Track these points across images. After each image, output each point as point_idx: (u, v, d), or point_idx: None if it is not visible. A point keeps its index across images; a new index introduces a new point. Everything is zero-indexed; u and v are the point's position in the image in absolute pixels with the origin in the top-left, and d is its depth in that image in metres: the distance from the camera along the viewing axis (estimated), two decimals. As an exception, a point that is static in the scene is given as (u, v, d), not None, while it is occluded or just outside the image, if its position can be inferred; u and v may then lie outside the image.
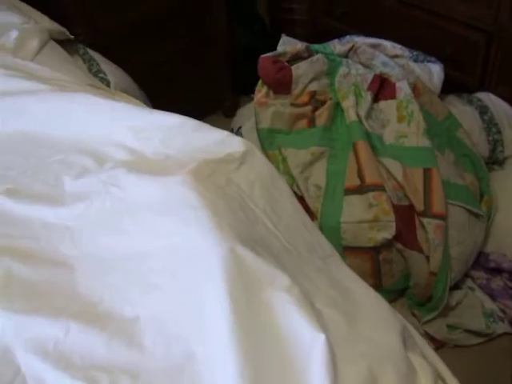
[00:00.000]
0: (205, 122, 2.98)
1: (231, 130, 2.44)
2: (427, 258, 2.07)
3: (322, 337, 0.94)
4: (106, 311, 1.10)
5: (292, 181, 2.11)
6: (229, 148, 1.35)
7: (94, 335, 1.06)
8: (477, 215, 2.22)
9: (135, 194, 1.25)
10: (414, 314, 2.20)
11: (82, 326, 1.08)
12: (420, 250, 2.07)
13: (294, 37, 2.72)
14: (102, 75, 2.22)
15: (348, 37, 2.50)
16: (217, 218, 1.11)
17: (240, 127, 2.36)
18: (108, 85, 2.18)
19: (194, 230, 1.11)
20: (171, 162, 1.33)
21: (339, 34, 2.59)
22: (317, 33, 2.94)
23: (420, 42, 2.54)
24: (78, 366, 1.03)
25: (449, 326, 2.18)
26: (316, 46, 2.31)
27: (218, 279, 1.01)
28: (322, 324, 1.00)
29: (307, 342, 0.95)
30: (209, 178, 1.25)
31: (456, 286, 2.26)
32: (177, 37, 2.79)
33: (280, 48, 2.37)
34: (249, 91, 2.36)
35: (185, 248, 1.10)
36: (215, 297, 0.99)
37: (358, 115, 2.16)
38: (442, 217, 2.07)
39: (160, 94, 2.72)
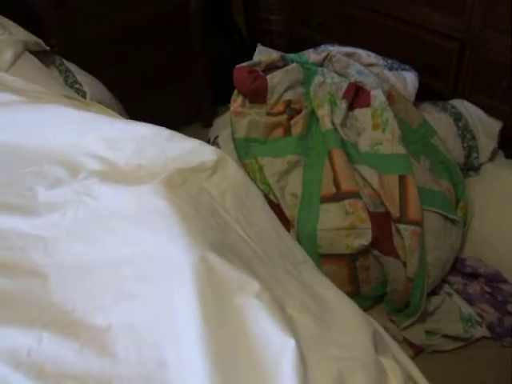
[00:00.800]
0: (183, 132, 3.00)
1: (208, 140, 2.45)
2: (404, 263, 2.09)
3: (291, 342, 0.95)
4: (79, 320, 1.10)
5: (268, 189, 2.12)
6: (201, 157, 1.35)
7: (67, 344, 1.06)
8: (453, 221, 2.24)
9: (108, 203, 1.26)
10: (392, 320, 2.21)
11: (54, 335, 1.08)
12: (396, 256, 2.08)
13: (272, 47, 2.74)
14: (77, 86, 2.22)
15: (323, 46, 2.52)
16: (187, 226, 1.12)
17: (217, 137, 2.37)
18: (84, 96, 2.19)
19: (164, 237, 1.11)
20: (144, 172, 1.34)
21: (316, 44, 2.62)
22: (294, 43, 2.97)
23: (394, 51, 2.57)
24: (50, 375, 1.03)
25: (427, 332, 2.19)
26: (291, 55, 2.33)
27: (188, 286, 1.01)
28: (293, 329, 1.00)
29: (277, 348, 0.95)
30: (180, 186, 1.26)
31: (433, 292, 2.28)
32: (154, 48, 2.80)
33: (255, 58, 2.38)
34: (227, 101, 2.37)
35: (156, 255, 1.10)
36: (186, 304, 0.99)
37: (333, 123, 2.18)
38: (418, 223, 2.09)
39: (137, 105, 2.73)
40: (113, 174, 1.35)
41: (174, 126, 2.97)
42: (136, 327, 1.05)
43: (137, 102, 2.74)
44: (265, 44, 2.76)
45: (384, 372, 1.05)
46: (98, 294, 1.14)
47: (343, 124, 2.20)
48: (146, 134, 1.43)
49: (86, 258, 1.21)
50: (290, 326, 1.01)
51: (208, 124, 2.91)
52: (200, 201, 1.25)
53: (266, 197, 2.12)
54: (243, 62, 2.33)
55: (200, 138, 2.54)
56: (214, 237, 1.14)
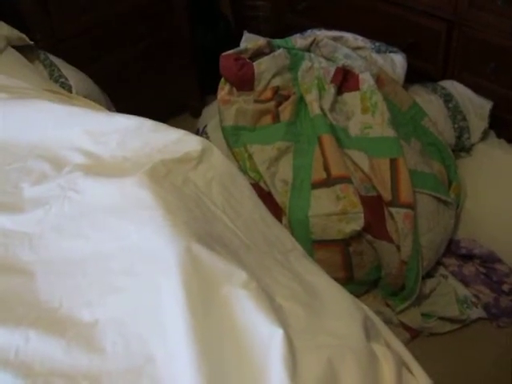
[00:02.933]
0: (172, 123, 2.95)
1: (197, 130, 2.43)
2: (397, 247, 2.08)
3: (279, 332, 0.94)
4: (66, 316, 1.09)
5: (259, 177, 2.10)
6: (186, 147, 1.34)
7: (54, 341, 1.05)
8: (446, 202, 2.23)
9: (92, 197, 1.24)
10: (387, 304, 2.20)
11: (41, 333, 1.07)
12: (390, 240, 2.07)
13: (259, 33, 2.72)
14: (63, 80, 2.20)
15: (309, 31, 2.50)
16: (172, 217, 1.11)
17: (205, 126, 2.35)
18: (69, 90, 2.17)
19: (149, 229, 1.10)
20: (129, 164, 1.32)
21: (303, 29, 2.59)
22: (281, 28, 2.94)
23: (382, 33, 2.55)
24: (39, 374, 1.02)
25: (423, 315, 2.19)
26: (277, 41, 2.31)
27: (174, 278, 1.00)
28: (282, 318, 0.99)
29: (265, 338, 0.94)
30: (165, 177, 1.25)
31: (428, 275, 2.27)
32: (140, 38, 2.77)
33: (242, 45, 2.36)
34: (215, 90, 2.35)
35: (142, 248, 1.09)
36: (172, 296, 0.98)
37: (321, 108, 2.17)
38: (411, 206, 2.08)
39: (125, 97, 2.71)
40: (97, 168, 1.33)
41: (164, 116, 2.96)
42: (123, 321, 1.04)
43: (125, 94, 2.72)
44: (252, 31, 2.74)
45: (376, 358, 1.04)
46: (84, 290, 1.12)
47: (332, 109, 2.18)
48: (129, 125, 1.41)
49: (72, 254, 1.19)
50: (279, 315, 1.00)
51: (197, 114, 2.89)
52: (185, 191, 1.24)
53: (257, 184, 2.10)
54: (230, 49, 2.31)
55: (190, 128, 2.54)
56: (200, 227, 1.13)
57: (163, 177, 1.25)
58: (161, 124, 1.42)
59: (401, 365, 1.08)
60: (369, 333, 1.10)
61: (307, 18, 2.82)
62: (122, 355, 1.01)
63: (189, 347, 0.91)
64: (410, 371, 1.10)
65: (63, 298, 1.13)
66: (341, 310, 1.12)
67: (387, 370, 1.04)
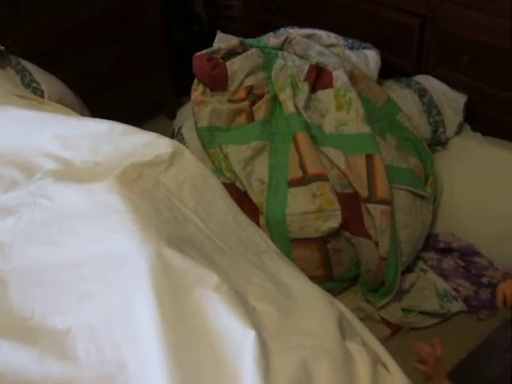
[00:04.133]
0: (148, 125, 3.01)
1: (172, 131, 2.42)
2: (376, 243, 2.08)
3: (252, 333, 0.93)
4: (39, 324, 1.08)
5: (235, 177, 2.09)
6: (157, 150, 1.33)
7: (26, 351, 1.04)
8: (423, 197, 2.24)
9: (63, 203, 1.23)
10: (368, 301, 2.20)
11: (13, 343, 1.05)
12: (368, 236, 2.07)
13: (233, 33, 2.71)
14: (35, 85, 2.18)
15: (282, 29, 2.49)
16: (142, 221, 1.10)
17: (181, 127, 2.34)
18: (42, 95, 2.15)
19: (120, 235, 1.09)
20: (100, 169, 1.31)
21: (277, 28, 2.59)
22: (255, 28, 2.92)
23: (355, 30, 2.55)
24: (12, 383, 1.01)
25: (404, 310, 2.19)
26: (250, 41, 2.30)
27: (145, 284, 0.99)
28: (255, 320, 0.99)
29: (237, 340, 0.94)
30: (136, 181, 1.23)
31: (408, 269, 2.27)
32: (113, 41, 2.75)
33: (215, 45, 2.35)
34: (191, 91, 2.34)
35: (112, 253, 1.08)
36: (143, 301, 0.97)
37: (296, 107, 2.16)
38: (387, 201, 2.08)
39: (100, 100, 2.69)
40: (68, 173, 1.32)
41: (140, 118, 2.97)
42: (96, 328, 1.03)
43: (100, 97, 2.70)
44: (225, 30, 2.73)
45: (350, 357, 1.04)
46: (57, 297, 1.11)
47: (306, 107, 2.18)
48: (100, 130, 1.40)
49: (44, 261, 1.18)
50: (252, 316, 1.00)
51: (173, 115, 2.87)
52: (156, 194, 1.23)
53: (233, 185, 2.09)
54: (204, 49, 2.30)
55: (166, 130, 2.54)
56: (171, 230, 1.12)
57: (134, 181, 1.24)
58: (131, 127, 1.41)
59: (376, 362, 1.08)
60: (344, 332, 1.10)
61: (280, 17, 2.82)
62: (95, 362, 1.00)
63: (160, 353, 0.91)
64: (386, 368, 1.10)
65: (36, 307, 1.11)
66: (315, 310, 1.11)
67: (362, 368, 1.03)
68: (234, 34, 2.78)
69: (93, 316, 1.05)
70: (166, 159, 1.32)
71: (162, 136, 1.40)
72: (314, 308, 1.12)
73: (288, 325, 1.05)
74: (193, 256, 1.07)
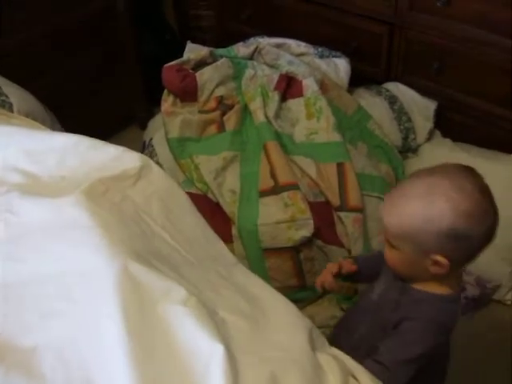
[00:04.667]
0: (121, 135, 3.00)
1: (143, 143, 2.40)
2: (349, 251, 2.08)
3: (219, 347, 0.93)
4: (5, 342, 1.06)
5: (206, 188, 2.09)
6: (124, 164, 1.32)
7: (-8, 370, 1.02)
8: (394, 204, 2.24)
9: (29, 218, 1.21)
10: (343, 309, 2.19)
11: (-22, 363, 1.03)
12: (340, 245, 2.07)
13: (204, 43, 2.71)
14: (3, 98, 2.15)
15: (252, 39, 2.50)
16: (109, 235, 1.09)
17: (151, 139, 2.33)
18: (10, 107, 2.12)
19: (86, 250, 1.08)
20: (66, 184, 1.30)
21: (247, 37, 2.59)
22: (225, 37, 2.93)
23: (325, 39, 2.57)
24: (-22, 403, 0.99)
25: (378, 317, 2.19)
26: (220, 51, 2.30)
27: (111, 300, 0.98)
28: (224, 333, 0.98)
29: (206, 354, 0.93)
30: (103, 195, 1.22)
31: (381, 276, 2.28)
32: (85, 53, 2.74)
33: (185, 55, 2.35)
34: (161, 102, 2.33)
35: (79, 270, 1.07)
36: (109, 317, 0.96)
37: (266, 116, 2.16)
38: (359, 209, 2.09)
39: (72, 112, 2.67)
40: (34, 188, 1.30)
41: (112, 129, 2.97)
42: (63, 346, 1.02)
43: (71, 109, 2.69)
44: (196, 40, 2.73)
45: (321, 370, 1.03)
46: (24, 315, 1.09)
47: (277, 116, 2.18)
48: (67, 144, 1.39)
49: (10, 278, 1.16)
50: (221, 330, 0.99)
51: (145, 125, 2.86)
52: (123, 209, 1.22)
53: (205, 196, 2.09)
54: (177, 59, 2.30)
55: (139, 140, 2.53)
56: (138, 244, 1.11)
57: (101, 195, 1.23)
58: (99, 141, 1.40)
59: (347, 373, 1.08)
60: (314, 343, 1.09)
61: (251, 27, 2.82)
62: (62, 380, 0.98)
63: (128, 369, 0.89)
64: (357, 380, 1.10)
65: (3, 324, 1.10)
66: (285, 322, 1.11)
67: (333, 380, 1.03)
68: (205, 43, 2.79)
69: (59, 334, 1.04)
70: (133, 173, 1.31)
71: (129, 150, 1.39)
72: (284, 320, 1.11)
73: (257, 337, 1.04)
74: (160, 270, 1.07)
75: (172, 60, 2.30)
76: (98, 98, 2.87)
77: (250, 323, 1.07)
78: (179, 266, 1.13)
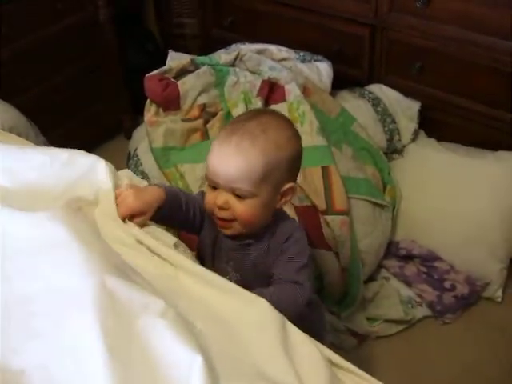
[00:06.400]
0: (106, 145, 3.00)
1: (128, 153, 2.40)
2: (336, 254, 2.08)
3: (198, 358, 0.92)
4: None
5: (192, 196, 2.09)
6: (96, 183, 1.32)
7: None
8: (381, 206, 2.25)
9: (9, 236, 1.21)
10: (332, 312, 2.20)
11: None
12: (328, 248, 2.07)
13: (187, 51, 2.71)
14: (-14, 113, 2.16)
15: (234, 45, 2.50)
16: (87, 249, 1.08)
17: (136, 149, 2.32)
18: (-6, 122, 2.12)
19: (64, 267, 1.07)
20: (44, 200, 1.29)
21: (230, 43, 2.60)
22: (208, 44, 2.94)
23: (307, 43, 2.57)
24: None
25: (369, 319, 2.20)
26: (201, 59, 2.30)
27: (90, 317, 0.97)
28: (202, 344, 0.98)
29: (185, 365, 0.92)
30: (79, 210, 1.22)
31: (371, 278, 2.29)
32: (68, 64, 2.74)
33: (168, 64, 2.34)
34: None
35: (59, 287, 1.06)
36: (90, 336, 0.95)
37: (249, 123, 2.16)
38: (345, 212, 2.09)
39: (58, 123, 2.69)
40: (13, 204, 1.30)
41: (99, 140, 2.97)
42: (48, 367, 1.00)
43: (57, 119, 2.70)
44: (179, 48, 2.73)
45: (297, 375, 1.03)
46: (11, 335, 1.08)
47: (260, 122, 2.18)
48: (44, 161, 1.38)
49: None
50: (200, 340, 0.99)
51: (131, 135, 2.87)
52: (98, 224, 1.22)
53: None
54: (161, 68, 2.30)
55: (125, 150, 2.53)
56: (116, 258, 1.11)
57: (77, 210, 1.22)
58: (76, 156, 1.39)
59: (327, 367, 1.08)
60: (286, 335, 1.09)
61: (234, 33, 2.83)
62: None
63: (108, 386, 0.89)
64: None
65: None
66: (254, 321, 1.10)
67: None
68: (188, 50, 2.78)
69: (45, 354, 1.02)
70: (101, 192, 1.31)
71: (103, 162, 1.38)
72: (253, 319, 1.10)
73: (235, 346, 1.04)
74: (137, 282, 1.06)
75: (154, 68, 2.30)
76: (84, 109, 2.88)
77: (226, 332, 1.06)
78: (154, 279, 1.13)
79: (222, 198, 1.32)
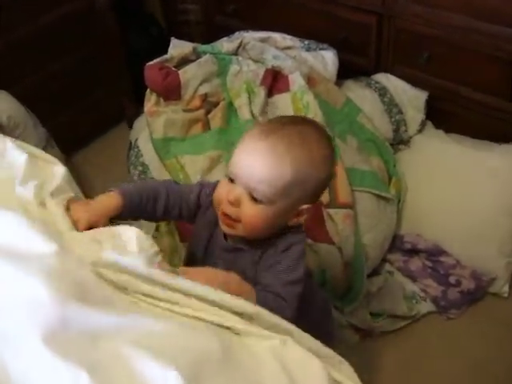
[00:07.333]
0: (111, 133, 2.96)
1: (129, 143, 2.36)
2: (339, 249, 2.04)
3: (173, 373, 0.88)
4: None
5: (193, 189, 2.04)
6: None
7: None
8: (386, 199, 2.21)
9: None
10: (335, 307, 2.16)
11: None
12: (331, 242, 2.03)
13: (191, 38, 2.66)
14: (-18, 102, 2.12)
15: (237, 33, 2.44)
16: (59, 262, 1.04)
17: (137, 139, 2.28)
18: (-10, 111, 2.09)
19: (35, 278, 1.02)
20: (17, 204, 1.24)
21: (233, 31, 2.54)
22: (212, 31, 2.89)
23: (313, 31, 2.52)
24: None
25: (373, 314, 2.15)
26: (203, 47, 2.25)
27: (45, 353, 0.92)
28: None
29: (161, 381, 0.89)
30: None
31: (375, 272, 2.24)
32: (70, 51, 2.68)
33: (170, 52, 2.29)
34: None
35: (29, 300, 1.01)
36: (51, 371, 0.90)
37: (252, 113, 2.11)
38: (350, 206, 2.05)
39: (61, 112, 2.65)
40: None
41: (102, 128, 2.94)
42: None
43: (60, 108, 2.66)
44: (183, 35, 2.69)
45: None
46: None
47: (263, 112, 2.14)
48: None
49: None
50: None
51: (133, 124, 2.83)
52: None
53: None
54: (164, 55, 2.25)
55: (127, 138, 2.48)
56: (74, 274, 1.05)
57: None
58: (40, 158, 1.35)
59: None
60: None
61: (237, 20, 2.77)
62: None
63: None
64: None
65: None
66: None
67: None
68: (193, 38, 2.74)
69: (17, 373, 0.97)
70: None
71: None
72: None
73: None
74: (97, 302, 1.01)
75: (158, 55, 2.25)
76: (86, 96, 2.83)
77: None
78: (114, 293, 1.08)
79: (235, 193, 1.24)
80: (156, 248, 1.15)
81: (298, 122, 1.31)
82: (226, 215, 1.27)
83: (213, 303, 1.04)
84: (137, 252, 1.12)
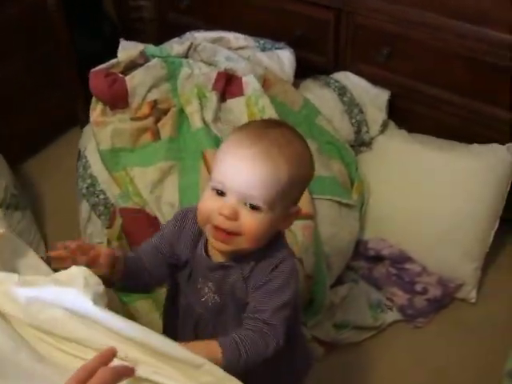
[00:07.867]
0: (62, 138, 2.84)
1: (78, 152, 2.24)
2: (300, 260, 1.95)
3: None
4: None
5: (144, 202, 1.93)
6: None
7: None
8: (348, 205, 2.12)
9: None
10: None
11: None
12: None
13: (145, 36, 2.55)
14: None
15: (188, 34, 2.33)
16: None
17: (85, 149, 2.16)
18: None
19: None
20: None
21: (187, 28, 2.43)
22: (166, 28, 2.77)
23: (268, 28, 2.41)
24: None
25: (337, 326, 2.07)
26: (151, 50, 2.12)
27: None
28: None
29: None
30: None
31: (339, 281, 2.16)
32: (19, 54, 2.56)
33: (119, 54, 2.17)
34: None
35: None
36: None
37: (204, 120, 2.00)
38: (310, 216, 1.96)
39: (9, 117, 2.53)
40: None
41: (55, 132, 2.81)
42: None
43: (8, 113, 2.54)
44: (139, 33, 2.57)
45: None
46: None
47: (216, 119, 2.03)
48: None
49: None
50: None
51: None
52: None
53: (143, 210, 1.93)
54: (116, 55, 2.14)
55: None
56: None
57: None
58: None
59: None
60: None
61: (190, 17, 2.65)
62: None
63: None
64: None
65: None
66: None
67: None
68: (146, 36, 2.62)
69: None
70: None
71: None
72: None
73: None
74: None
75: (113, 56, 2.14)
76: (36, 101, 2.70)
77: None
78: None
79: (230, 206, 1.15)
80: None
81: (275, 124, 1.27)
82: (220, 230, 1.18)
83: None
84: None
